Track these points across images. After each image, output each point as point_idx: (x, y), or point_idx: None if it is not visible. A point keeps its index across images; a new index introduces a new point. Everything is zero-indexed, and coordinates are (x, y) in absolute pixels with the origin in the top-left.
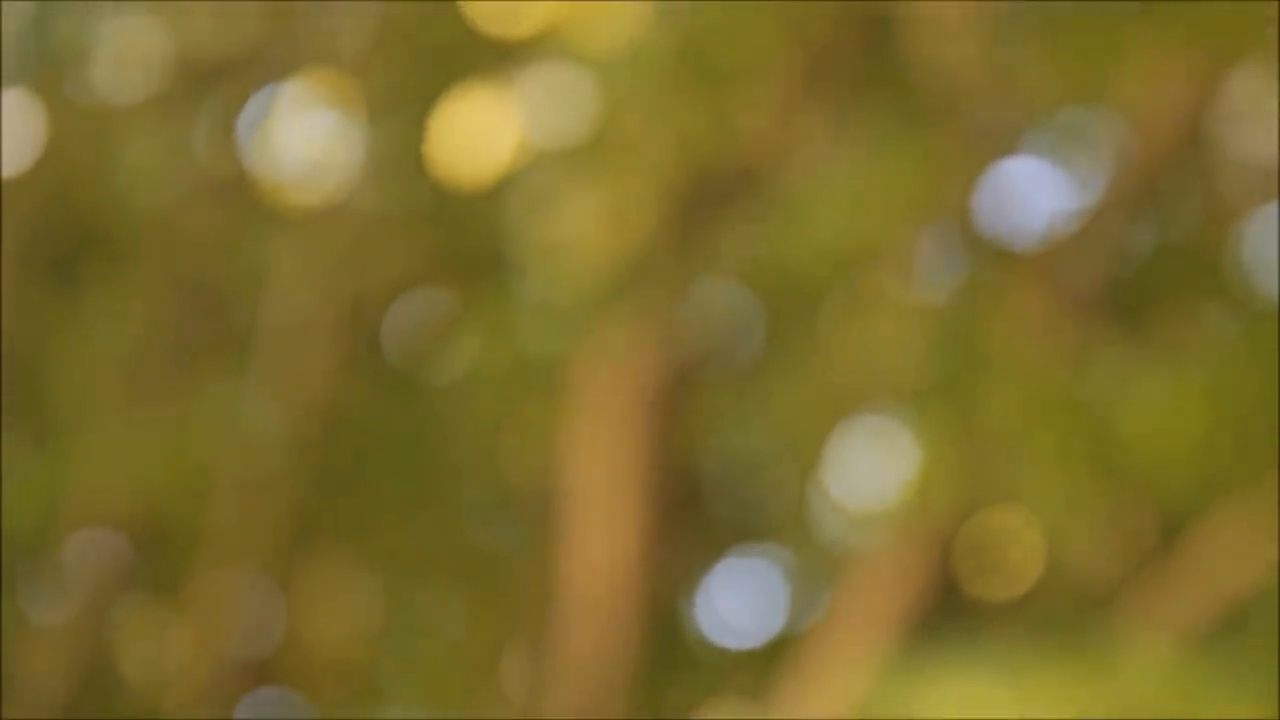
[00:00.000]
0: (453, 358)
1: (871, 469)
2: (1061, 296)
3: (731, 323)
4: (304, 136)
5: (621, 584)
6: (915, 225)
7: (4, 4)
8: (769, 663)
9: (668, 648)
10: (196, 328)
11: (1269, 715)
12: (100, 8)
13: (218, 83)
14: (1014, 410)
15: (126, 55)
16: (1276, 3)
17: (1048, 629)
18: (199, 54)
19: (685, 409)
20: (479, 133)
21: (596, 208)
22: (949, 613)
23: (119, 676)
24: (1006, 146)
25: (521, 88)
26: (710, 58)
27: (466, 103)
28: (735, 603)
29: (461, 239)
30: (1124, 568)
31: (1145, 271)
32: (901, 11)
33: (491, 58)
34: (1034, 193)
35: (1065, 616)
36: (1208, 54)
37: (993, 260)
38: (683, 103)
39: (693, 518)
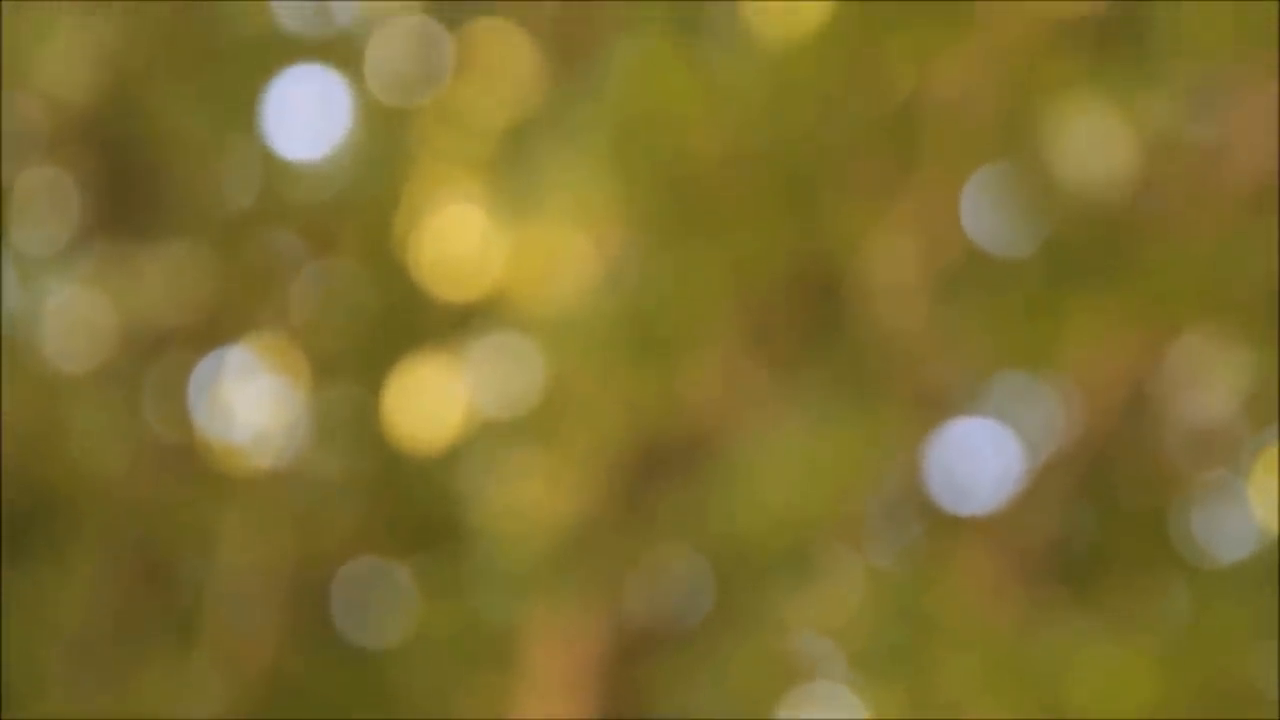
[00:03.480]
0: (402, 625)
1: None
2: (1010, 562)
3: (681, 589)
4: (252, 401)
5: None
6: (863, 490)
7: None
8: None
9: None
10: (143, 595)
11: None
12: (49, 277)
13: (166, 348)
14: (963, 677)
15: (76, 323)
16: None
17: None
18: (147, 321)
19: (635, 676)
20: (428, 399)
21: (545, 475)
22: None
23: None
24: (954, 409)
25: (470, 353)
26: (657, 323)
27: (415, 369)
28: None
29: (410, 505)
30: None
31: (1094, 537)
32: (848, 276)
33: (440, 323)
34: (982, 456)
35: None
36: (1153, 321)
37: (941, 525)
38: (630, 369)
39: None
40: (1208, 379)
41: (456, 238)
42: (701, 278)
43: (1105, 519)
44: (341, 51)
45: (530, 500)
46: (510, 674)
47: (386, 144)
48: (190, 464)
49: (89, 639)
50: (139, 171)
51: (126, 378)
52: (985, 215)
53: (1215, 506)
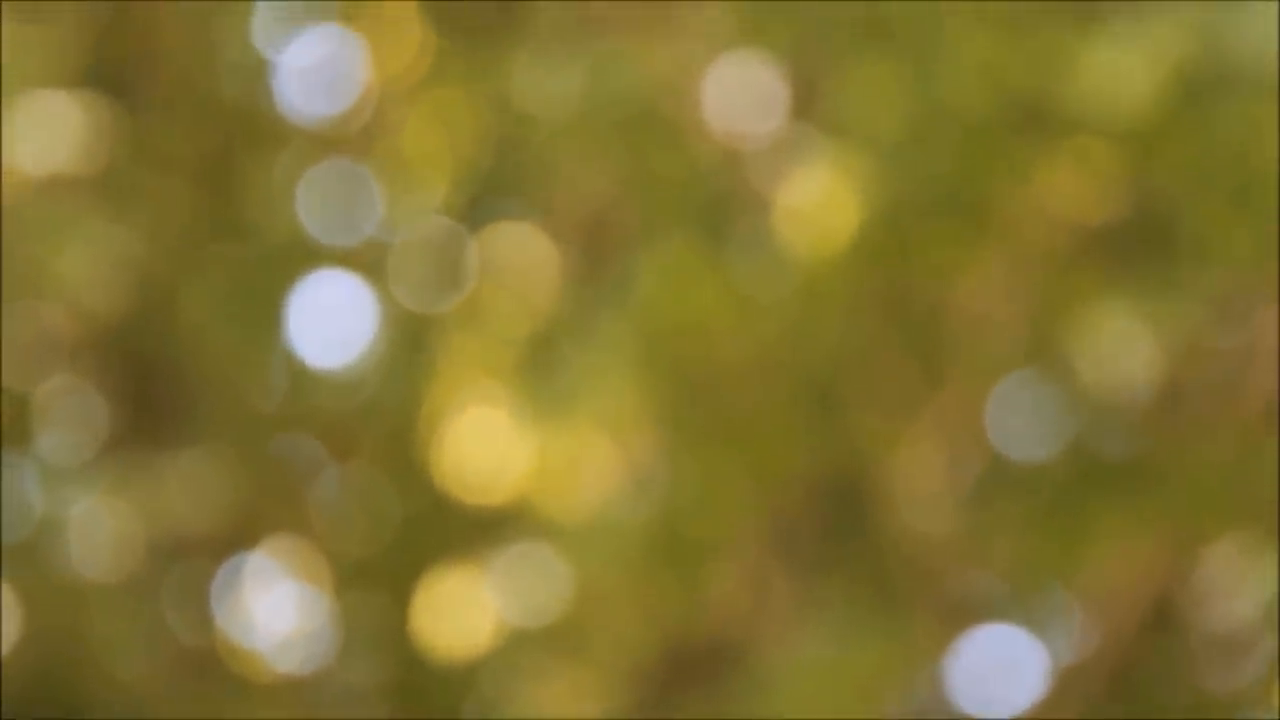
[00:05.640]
0: None
1: None
2: None
3: None
4: (275, 608)
5: None
6: (888, 700)
7: None
8: None
9: None
10: None
11: None
12: (72, 486)
13: (189, 555)
14: None
15: (99, 532)
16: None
17: None
18: (170, 529)
19: None
20: (453, 606)
21: (571, 682)
22: None
23: None
24: (979, 617)
25: (495, 560)
26: (682, 531)
27: (440, 576)
28: None
29: (435, 713)
30: None
31: None
32: (874, 483)
33: (464, 529)
34: (1007, 664)
35: None
36: (1179, 530)
37: None
38: (655, 576)
39: None
40: (1235, 588)
41: (481, 444)
42: (727, 485)
43: None
44: (365, 257)
45: (556, 708)
46: None
47: (410, 349)
48: (214, 671)
49: None
50: (162, 378)
51: (149, 585)
52: (1010, 423)
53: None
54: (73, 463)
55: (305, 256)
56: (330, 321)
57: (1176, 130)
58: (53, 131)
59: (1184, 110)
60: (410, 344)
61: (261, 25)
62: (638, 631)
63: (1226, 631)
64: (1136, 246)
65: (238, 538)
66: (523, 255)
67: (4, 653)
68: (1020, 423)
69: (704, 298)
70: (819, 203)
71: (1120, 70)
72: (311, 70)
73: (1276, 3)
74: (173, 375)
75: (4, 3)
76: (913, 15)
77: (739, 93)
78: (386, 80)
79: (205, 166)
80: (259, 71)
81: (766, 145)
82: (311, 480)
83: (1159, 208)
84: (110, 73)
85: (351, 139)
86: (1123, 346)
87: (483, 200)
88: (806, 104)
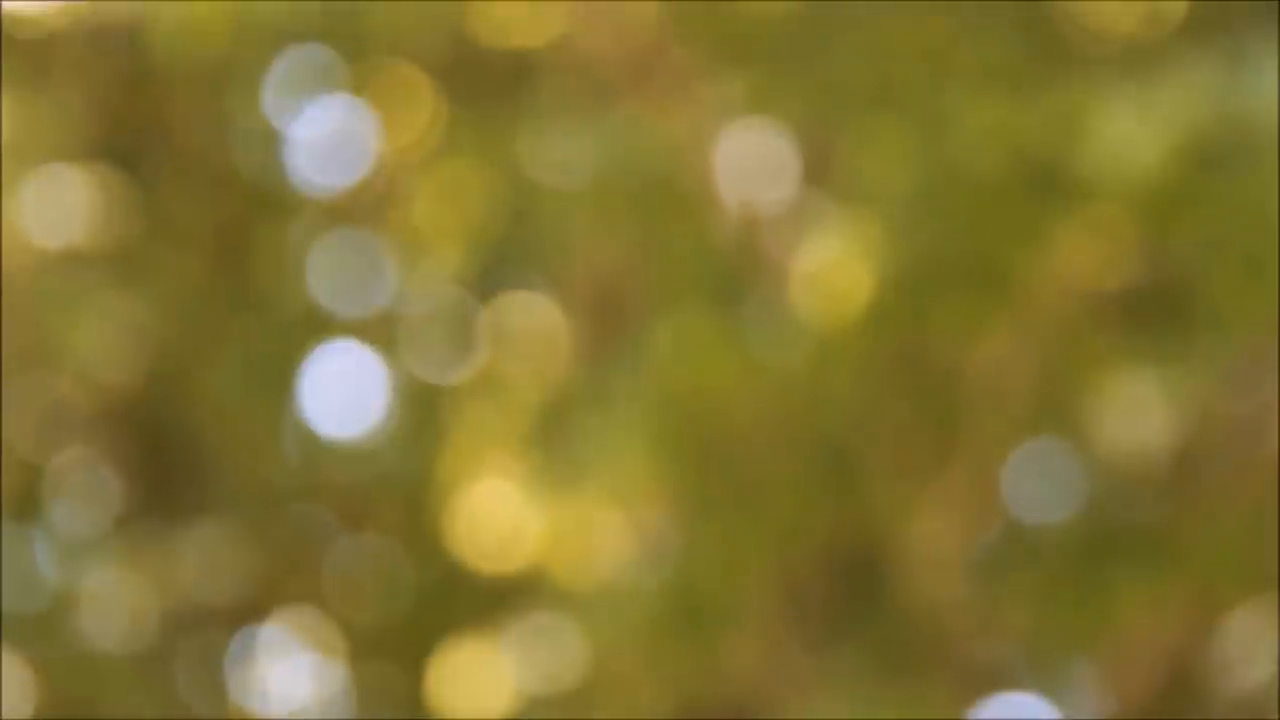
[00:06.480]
0: None
1: None
2: None
3: None
4: (289, 678)
5: None
6: None
7: None
8: None
9: None
10: None
11: None
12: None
13: (203, 626)
14: None
15: (113, 603)
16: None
17: None
18: (184, 600)
19: None
20: (468, 676)
21: None
22: None
23: None
24: (995, 683)
25: (510, 629)
26: (697, 599)
27: (455, 645)
28: None
29: None
30: None
31: None
32: (888, 550)
33: (478, 599)
34: None
35: None
36: (1195, 596)
37: None
38: (670, 644)
39: None
40: (1252, 654)
41: (494, 513)
42: (741, 552)
43: None
44: (377, 327)
45: None
46: None
47: (423, 419)
48: None
49: None
50: (175, 450)
51: (163, 656)
52: (1026, 489)
53: None
54: (86, 534)
55: (318, 327)
56: (343, 392)
57: (1189, 196)
58: (66, 205)
59: (1196, 176)
60: (423, 414)
61: (273, 97)
62: (652, 699)
63: (1244, 698)
64: (1150, 312)
65: (251, 608)
66: (535, 325)
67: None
68: (1036, 489)
69: (717, 365)
70: (832, 269)
71: (1132, 135)
72: (323, 141)
73: None
74: (186, 447)
75: (17, 77)
76: (922, 80)
77: (750, 161)
78: (398, 151)
79: (217, 238)
80: (270, 143)
81: (779, 212)
82: (325, 550)
83: (1173, 274)
84: (122, 146)
85: (363, 209)
86: (1138, 413)
87: (494, 270)
88: (818, 171)
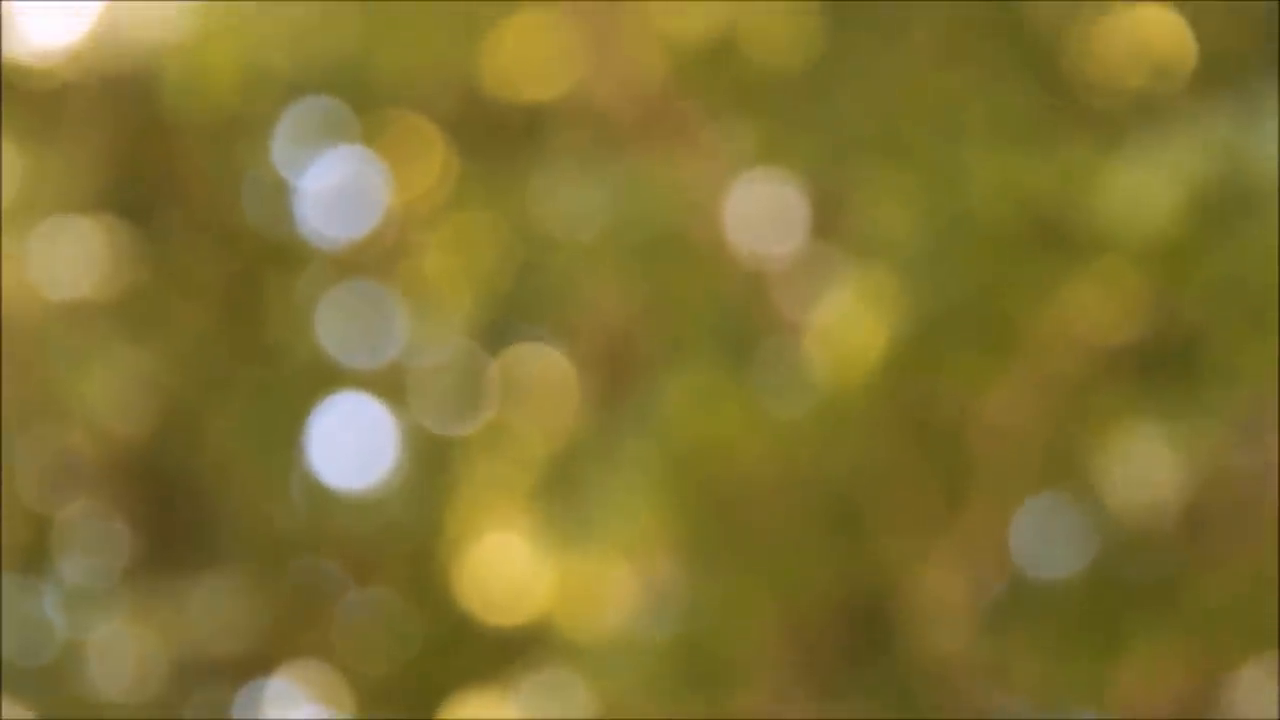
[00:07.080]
0: None
1: None
2: None
3: None
4: None
5: None
6: None
7: None
8: None
9: None
10: None
11: None
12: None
13: (211, 678)
14: None
15: (120, 655)
16: None
17: None
18: (192, 652)
19: None
20: None
21: None
22: None
23: None
24: None
25: (517, 683)
26: (705, 651)
27: (463, 699)
28: None
29: None
30: None
31: None
32: (897, 603)
33: (486, 651)
34: None
35: None
36: (1203, 650)
37: None
38: (678, 697)
39: None
40: (1257, 709)
41: (502, 565)
42: (750, 605)
43: None
44: (386, 379)
45: None
46: None
47: (431, 471)
48: None
49: None
50: (184, 501)
51: (171, 708)
52: (1034, 543)
53: None
54: (94, 586)
55: (326, 378)
56: (351, 444)
57: (1199, 250)
58: (75, 256)
59: (1206, 230)
60: (431, 466)
61: (282, 148)
62: None
63: None
64: (1160, 366)
65: (259, 660)
66: (544, 377)
67: None
68: (1044, 543)
69: (727, 418)
70: (842, 322)
71: (1142, 189)
72: (333, 192)
73: None
74: (194, 498)
75: (26, 128)
76: (933, 134)
77: (761, 212)
78: (408, 203)
79: (226, 289)
80: (280, 194)
81: (789, 264)
82: (333, 603)
83: (1182, 327)
84: (131, 197)
85: (373, 261)
86: (1147, 467)
87: (504, 322)
88: (828, 223)
